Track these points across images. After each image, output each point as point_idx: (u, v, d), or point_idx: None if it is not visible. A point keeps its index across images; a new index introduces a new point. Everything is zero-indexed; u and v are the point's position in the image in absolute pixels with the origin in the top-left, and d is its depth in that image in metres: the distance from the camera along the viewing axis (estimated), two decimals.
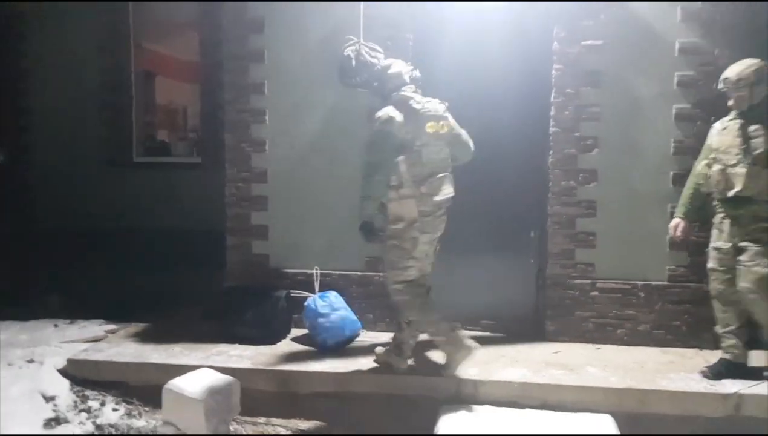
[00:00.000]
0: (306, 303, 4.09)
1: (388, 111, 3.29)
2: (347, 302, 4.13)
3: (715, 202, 3.45)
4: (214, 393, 2.96)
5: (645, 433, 3.24)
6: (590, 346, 3.98)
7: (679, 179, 3.79)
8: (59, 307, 4.97)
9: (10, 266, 5.33)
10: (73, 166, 5.90)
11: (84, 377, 3.71)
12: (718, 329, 3.50)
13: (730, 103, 3.38)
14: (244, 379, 3.29)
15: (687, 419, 3.26)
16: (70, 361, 3.78)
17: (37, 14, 5.88)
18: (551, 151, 4.05)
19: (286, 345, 4.05)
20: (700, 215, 3.58)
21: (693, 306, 3.89)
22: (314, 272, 4.22)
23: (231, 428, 3.21)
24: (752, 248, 3.27)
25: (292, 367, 3.67)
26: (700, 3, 3.82)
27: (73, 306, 4.92)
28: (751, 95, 3.28)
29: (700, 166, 3.51)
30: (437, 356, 3.72)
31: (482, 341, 4.02)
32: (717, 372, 3.43)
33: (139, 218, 5.75)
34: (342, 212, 4.06)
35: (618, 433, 3.04)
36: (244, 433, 3.34)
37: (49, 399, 3.49)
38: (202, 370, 3.17)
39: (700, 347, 3.87)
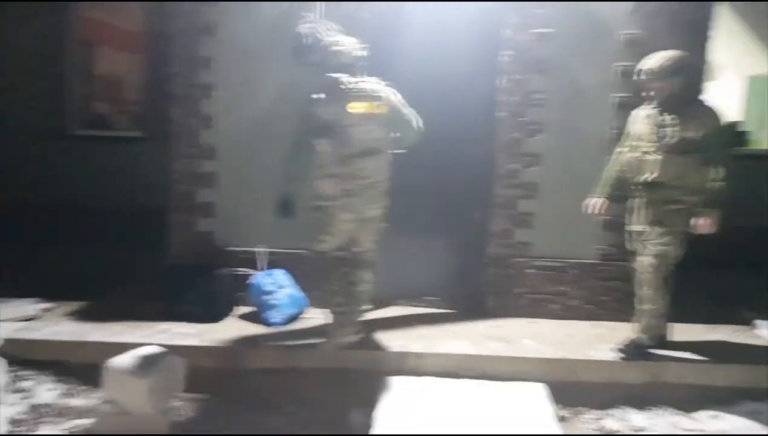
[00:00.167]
0: (251, 281, 4.10)
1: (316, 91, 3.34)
2: (295, 280, 4.16)
3: (632, 187, 3.61)
4: (159, 371, 2.95)
5: (573, 398, 3.45)
6: (527, 320, 4.17)
7: None
8: None
9: None
10: (5, 138, 5.62)
11: (19, 356, 3.60)
12: (637, 305, 3.71)
13: (650, 93, 3.51)
14: (189, 356, 3.29)
15: (611, 386, 3.50)
16: (4, 340, 3.65)
17: None
18: (498, 135, 4.17)
19: (231, 323, 4.06)
20: (616, 196, 3.73)
21: (621, 283, 4.09)
22: (260, 249, 4.22)
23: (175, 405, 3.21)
24: (657, 228, 3.47)
25: (238, 343, 3.69)
26: None
27: (6, 285, 4.73)
28: (669, 85, 3.40)
29: (620, 151, 3.68)
30: (383, 330, 3.83)
31: (427, 317, 4.19)
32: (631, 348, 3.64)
33: (77, 193, 5.56)
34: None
35: (550, 399, 3.23)
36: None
37: None
38: (145, 347, 3.14)
39: (628, 320, 4.12)
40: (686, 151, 3.38)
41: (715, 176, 3.36)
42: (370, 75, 3.53)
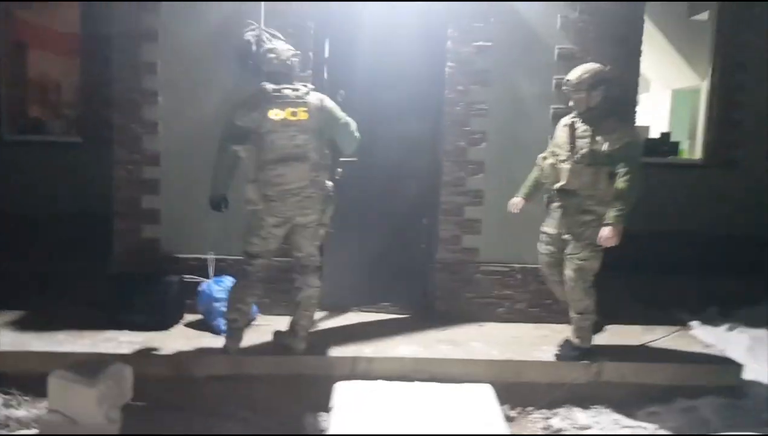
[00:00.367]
0: (200, 288, 4.04)
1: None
2: None
3: (549, 192, 3.75)
4: (106, 379, 2.86)
5: (520, 398, 3.57)
6: (475, 324, 4.29)
7: None
8: None
9: None
10: None
11: None
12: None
13: (570, 103, 3.67)
14: (137, 364, 3.20)
15: (555, 386, 3.63)
16: None
17: None
18: (444, 144, 4.30)
19: (179, 331, 3.97)
20: (535, 198, 3.88)
21: None
22: (208, 256, 4.16)
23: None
24: (572, 242, 3.61)
25: (187, 351, 3.63)
26: (576, 13, 4.20)
27: None
28: (588, 98, 3.51)
29: (544, 156, 3.80)
30: (335, 336, 3.86)
31: (379, 322, 4.25)
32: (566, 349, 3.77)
33: (10, 200, 5.29)
34: (236, 196, 4.03)
35: (496, 400, 3.33)
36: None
37: None
38: (91, 356, 3.04)
39: (570, 322, 4.33)
40: (596, 162, 3.49)
41: (620, 189, 3.38)
42: (309, 83, 3.58)
